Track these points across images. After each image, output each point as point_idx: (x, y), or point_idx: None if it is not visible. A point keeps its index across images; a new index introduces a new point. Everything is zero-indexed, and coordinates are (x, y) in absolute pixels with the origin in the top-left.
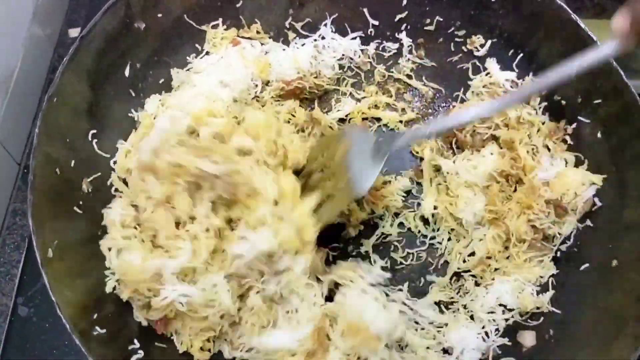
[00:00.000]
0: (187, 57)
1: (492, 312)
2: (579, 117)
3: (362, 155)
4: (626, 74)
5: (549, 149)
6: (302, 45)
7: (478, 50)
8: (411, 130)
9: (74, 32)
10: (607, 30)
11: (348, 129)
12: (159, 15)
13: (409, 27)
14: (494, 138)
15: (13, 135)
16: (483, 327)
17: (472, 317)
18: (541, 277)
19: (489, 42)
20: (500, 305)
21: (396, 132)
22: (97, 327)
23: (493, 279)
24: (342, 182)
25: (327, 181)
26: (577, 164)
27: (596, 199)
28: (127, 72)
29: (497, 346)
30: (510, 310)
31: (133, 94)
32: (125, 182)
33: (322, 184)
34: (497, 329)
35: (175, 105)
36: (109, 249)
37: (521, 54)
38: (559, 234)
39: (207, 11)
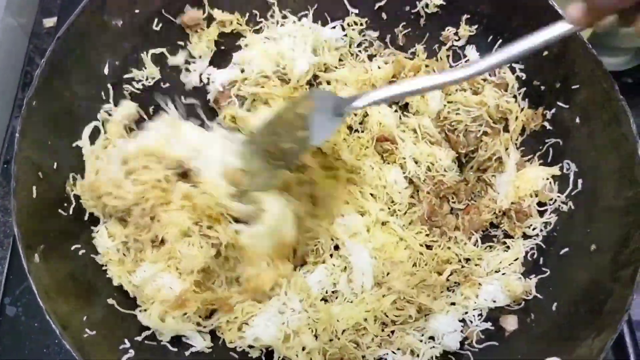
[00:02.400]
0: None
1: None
2: (558, 103)
3: (322, 113)
4: (606, 52)
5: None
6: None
7: (458, 40)
8: (372, 91)
9: (48, 22)
10: None
11: (314, 91)
12: (136, 11)
13: (389, 14)
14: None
15: None
16: (466, 313)
17: (452, 304)
18: (516, 259)
19: (467, 30)
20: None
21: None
22: (87, 330)
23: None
24: (300, 136)
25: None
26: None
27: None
28: (106, 71)
29: (480, 331)
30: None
31: (113, 92)
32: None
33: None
34: (480, 314)
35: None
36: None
37: (500, 40)
38: (526, 235)
39: (185, 3)
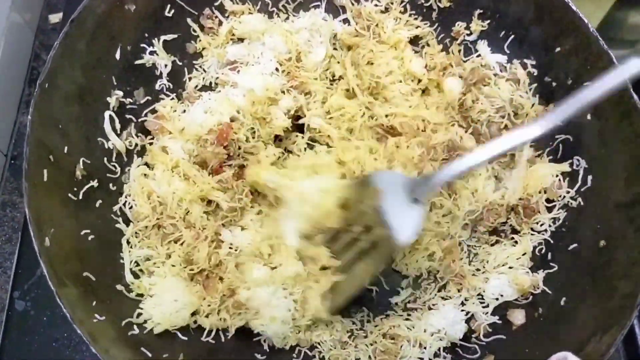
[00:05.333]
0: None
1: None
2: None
3: (397, 202)
4: (613, 44)
5: None
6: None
7: (470, 35)
8: (453, 164)
9: (54, 18)
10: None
11: (374, 174)
12: None
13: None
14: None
15: None
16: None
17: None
18: (523, 254)
19: (479, 25)
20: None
21: (431, 173)
22: (96, 315)
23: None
24: (379, 235)
25: (360, 238)
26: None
27: (588, 178)
28: (117, 55)
29: (487, 324)
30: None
31: (124, 77)
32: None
33: (352, 242)
34: (486, 305)
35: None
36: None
37: (512, 36)
38: (534, 230)
39: None
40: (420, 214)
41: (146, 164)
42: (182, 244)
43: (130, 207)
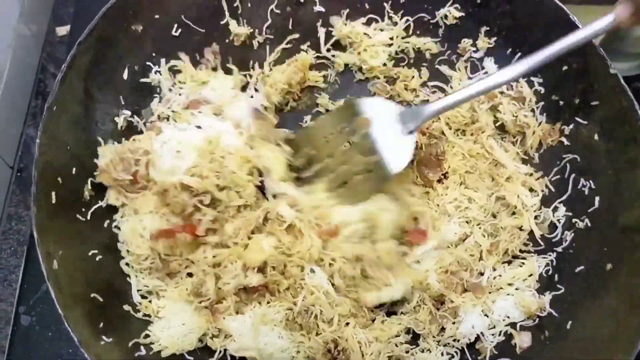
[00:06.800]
0: (183, 54)
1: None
2: (576, 119)
3: (388, 131)
4: (616, 57)
5: None
6: None
7: (476, 52)
8: (443, 98)
9: (61, 31)
10: (593, 15)
11: (363, 101)
12: (156, 16)
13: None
14: None
15: (4, 138)
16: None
17: None
18: (530, 275)
19: (486, 42)
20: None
21: (421, 104)
22: (103, 337)
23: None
24: (367, 165)
25: (342, 165)
26: None
27: (595, 200)
28: (125, 76)
29: (493, 347)
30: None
31: (132, 97)
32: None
33: (332, 168)
34: (492, 327)
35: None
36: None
37: (519, 53)
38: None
39: (204, 11)
40: (411, 144)
41: None
42: (190, 276)
43: (128, 251)
